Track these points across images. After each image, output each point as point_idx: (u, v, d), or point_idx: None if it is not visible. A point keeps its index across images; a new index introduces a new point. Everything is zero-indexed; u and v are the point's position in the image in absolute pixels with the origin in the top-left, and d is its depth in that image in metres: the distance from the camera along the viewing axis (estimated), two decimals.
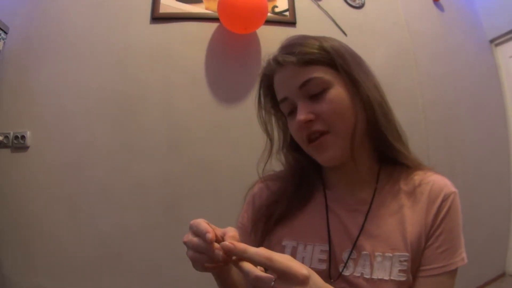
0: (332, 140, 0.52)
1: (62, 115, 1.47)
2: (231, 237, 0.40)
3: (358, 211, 0.56)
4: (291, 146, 0.63)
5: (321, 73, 0.52)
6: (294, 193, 0.61)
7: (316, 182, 0.62)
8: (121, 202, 1.44)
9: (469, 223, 1.91)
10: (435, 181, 0.56)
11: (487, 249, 2.04)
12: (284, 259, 0.36)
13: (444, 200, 0.53)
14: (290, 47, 0.55)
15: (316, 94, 0.52)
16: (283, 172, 0.66)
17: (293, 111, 0.55)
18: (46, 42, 1.52)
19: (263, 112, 0.63)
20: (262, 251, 0.37)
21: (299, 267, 0.36)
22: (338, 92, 0.52)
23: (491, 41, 2.39)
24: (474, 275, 1.93)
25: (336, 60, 0.53)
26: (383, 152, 0.58)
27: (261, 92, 0.62)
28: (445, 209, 0.53)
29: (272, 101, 0.63)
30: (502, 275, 2.14)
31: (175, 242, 1.42)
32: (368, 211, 0.55)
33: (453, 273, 0.51)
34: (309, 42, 0.54)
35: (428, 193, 0.54)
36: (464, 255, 0.52)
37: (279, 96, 0.57)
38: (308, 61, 0.52)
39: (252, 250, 0.37)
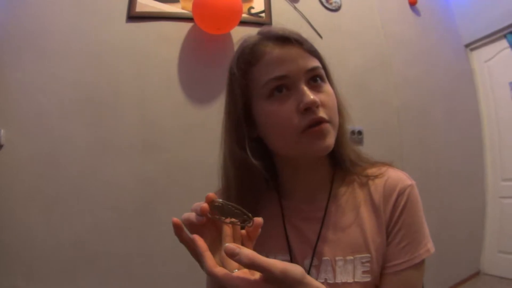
0: (331, 129, 0.50)
1: (36, 113, 1.45)
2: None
3: (314, 218, 0.55)
4: (244, 147, 0.54)
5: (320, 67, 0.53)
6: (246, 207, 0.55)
7: (269, 192, 0.59)
8: (95, 202, 1.43)
9: (444, 223, 1.96)
10: (389, 176, 0.55)
11: (462, 248, 2.09)
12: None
13: (399, 195, 0.52)
14: (293, 33, 0.53)
15: (317, 83, 0.51)
16: (228, 184, 0.56)
17: (281, 91, 0.50)
18: (22, 40, 1.50)
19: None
20: (277, 262, 0.33)
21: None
22: (331, 88, 0.53)
23: (467, 45, 2.45)
24: (449, 274, 1.97)
25: (323, 61, 0.55)
26: (337, 157, 0.57)
27: (237, 65, 0.54)
28: (401, 204, 0.52)
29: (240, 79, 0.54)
30: (477, 273, 2.18)
31: (149, 243, 1.42)
32: (324, 217, 0.54)
33: (419, 265, 0.51)
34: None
35: (383, 190, 0.54)
36: (429, 245, 0.51)
37: (277, 72, 0.50)
38: (313, 52, 0.53)
39: (267, 260, 0.33)
